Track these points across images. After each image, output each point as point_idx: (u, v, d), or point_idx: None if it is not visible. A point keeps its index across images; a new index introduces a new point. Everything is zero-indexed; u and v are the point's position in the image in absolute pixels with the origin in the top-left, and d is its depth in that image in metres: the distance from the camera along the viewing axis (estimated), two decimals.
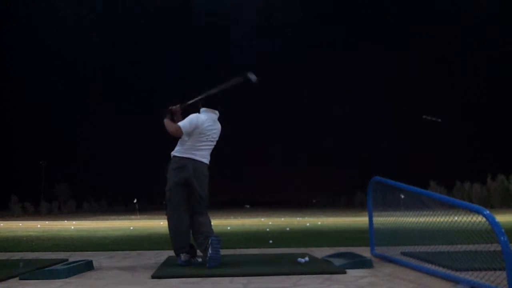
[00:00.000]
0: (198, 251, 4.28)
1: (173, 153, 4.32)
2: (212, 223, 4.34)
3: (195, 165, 4.22)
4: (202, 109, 4.42)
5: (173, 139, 4.38)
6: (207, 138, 4.31)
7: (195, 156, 4.24)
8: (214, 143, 4.43)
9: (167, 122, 4.31)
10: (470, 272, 3.39)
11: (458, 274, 3.33)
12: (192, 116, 4.30)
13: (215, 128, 4.39)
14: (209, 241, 3.95)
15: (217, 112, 4.45)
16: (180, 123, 4.24)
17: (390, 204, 4.54)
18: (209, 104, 4.40)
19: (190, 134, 4.24)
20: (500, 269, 2.98)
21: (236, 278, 3.44)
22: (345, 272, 3.65)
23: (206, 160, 4.34)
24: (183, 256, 4.14)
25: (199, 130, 4.25)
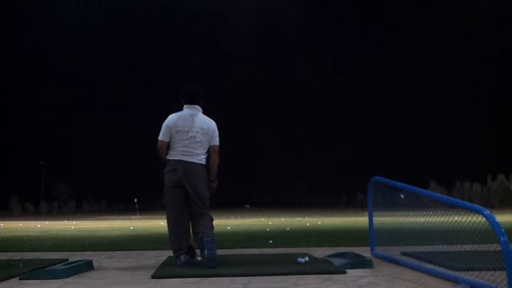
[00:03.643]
0: (198, 251, 4.29)
1: (167, 156, 4.31)
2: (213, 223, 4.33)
3: (186, 166, 4.17)
4: (184, 106, 4.41)
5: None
6: (187, 135, 4.21)
7: (186, 157, 4.19)
8: (201, 137, 4.23)
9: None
10: (470, 272, 3.39)
11: (458, 274, 3.33)
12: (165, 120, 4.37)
13: (194, 122, 4.26)
14: (203, 242, 3.96)
15: (196, 106, 4.38)
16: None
17: (390, 204, 4.54)
18: (186, 100, 4.38)
19: (171, 135, 4.26)
20: (500, 269, 2.99)
21: (236, 278, 3.44)
22: (345, 272, 3.65)
23: (198, 159, 4.22)
24: (182, 258, 4.14)
25: (174, 129, 4.24)
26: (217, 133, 4.36)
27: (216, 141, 4.34)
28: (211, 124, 4.34)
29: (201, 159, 4.26)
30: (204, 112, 4.47)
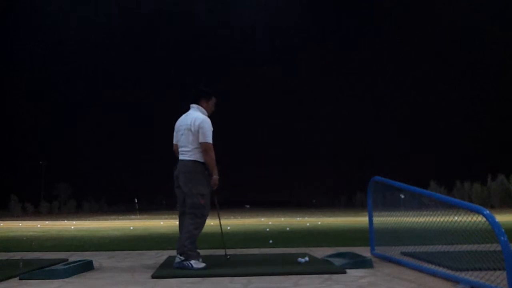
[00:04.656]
0: (199, 251, 4.26)
1: None
2: (192, 225, 4.03)
3: (179, 164, 4.24)
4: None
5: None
6: (179, 134, 4.31)
7: (180, 156, 4.26)
8: (186, 133, 4.21)
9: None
10: (470, 272, 3.39)
11: (458, 274, 3.33)
12: None
13: (184, 120, 4.31)
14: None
15: (195, 105, 4.38)
16: None
17: (390, 204, 4.54)
18: (193, 99, 4.43)
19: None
20: (500, 269, 2.99)
21: (236, 278, 3.44)
22: (345, 272, 3.65)
23: (188, 156, 4.21)
24: (178, 258, 4.14)
25: (176, 130, 4.40)
26: (205, 129, 4.16)
27: (203, 138, 4.15)
28: (197, 119, 4.22)
29: (190, 155, 4.19)
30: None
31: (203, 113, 4.34)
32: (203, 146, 4.16)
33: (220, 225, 4.85)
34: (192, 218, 4.05)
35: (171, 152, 4.49)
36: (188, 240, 3.96)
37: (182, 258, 3.92)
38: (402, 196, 4.34)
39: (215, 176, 4.24)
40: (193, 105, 4.40)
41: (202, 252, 4.37)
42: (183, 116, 4.39)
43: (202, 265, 3.93)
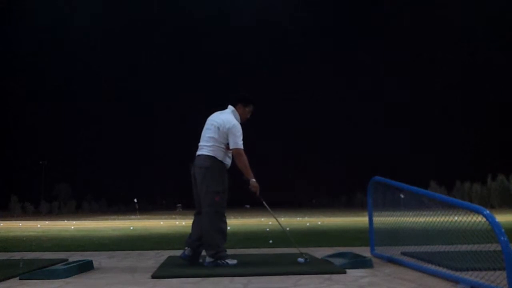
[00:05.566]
0: (203, 252, 4.26)
1: None
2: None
3: (196, 159, 4.26)
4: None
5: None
6: (204, 130, 4.35)
7: (198, 151, 4.28)
8: (212, 129, 4.22)
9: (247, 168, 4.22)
10: (470, 272, 3.39)
11: (458, 274, 3.33)
12: None
13: (218, 117, 4.32)
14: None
15: (231, 106, 4.43)
16: None
17: (390, 204, 4.54)
18: (231, 102, 4.48)
19: None
20: (500, 269, 2.98)
21: (236, 278, 3.44)
22: (345, 272, 3.65)
23: (205, 151, 4.19)
24: (186, 251, 4.21)
25: (205, 127, 4.42)
26: (235, 133, 4.14)
27: (233, 143, 4.13)
28: (226, 122, 4.19)
29: (209, 150, 4.18)
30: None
31: (235, 117, 4.34)
32: (234, 152, 4.17)
33: (280, 224, 4.96)
34: (209, 217, 4.07)
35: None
36: (215, 242, 4.02)
37: (213, 259, 4.01)
38: (402, 196, 4.33)
39: (253, 180, 4.22)
40: (230, 107, 4.43)
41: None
42: (217, 113, 4.39)
43: (235, 261, 4.08)
